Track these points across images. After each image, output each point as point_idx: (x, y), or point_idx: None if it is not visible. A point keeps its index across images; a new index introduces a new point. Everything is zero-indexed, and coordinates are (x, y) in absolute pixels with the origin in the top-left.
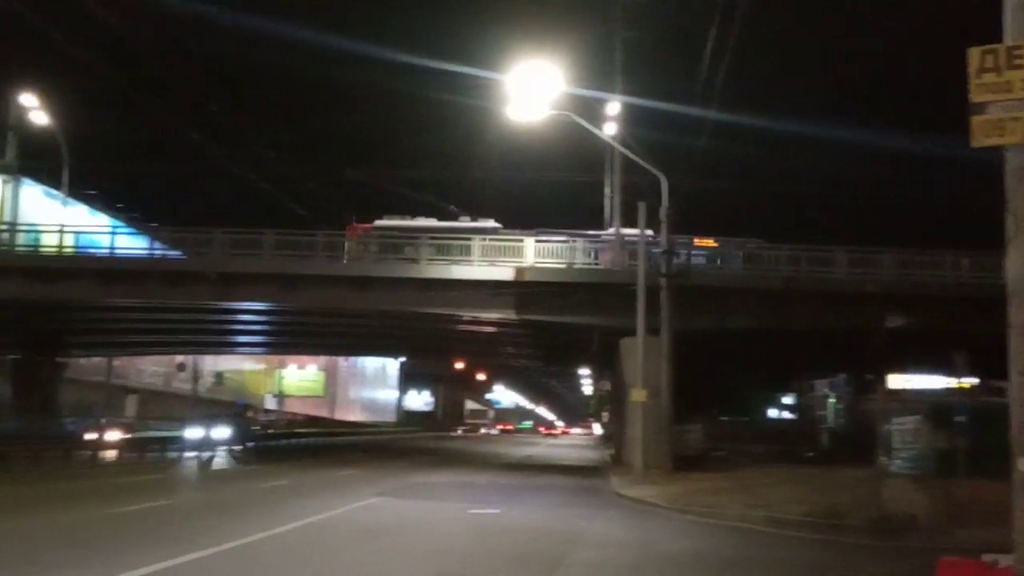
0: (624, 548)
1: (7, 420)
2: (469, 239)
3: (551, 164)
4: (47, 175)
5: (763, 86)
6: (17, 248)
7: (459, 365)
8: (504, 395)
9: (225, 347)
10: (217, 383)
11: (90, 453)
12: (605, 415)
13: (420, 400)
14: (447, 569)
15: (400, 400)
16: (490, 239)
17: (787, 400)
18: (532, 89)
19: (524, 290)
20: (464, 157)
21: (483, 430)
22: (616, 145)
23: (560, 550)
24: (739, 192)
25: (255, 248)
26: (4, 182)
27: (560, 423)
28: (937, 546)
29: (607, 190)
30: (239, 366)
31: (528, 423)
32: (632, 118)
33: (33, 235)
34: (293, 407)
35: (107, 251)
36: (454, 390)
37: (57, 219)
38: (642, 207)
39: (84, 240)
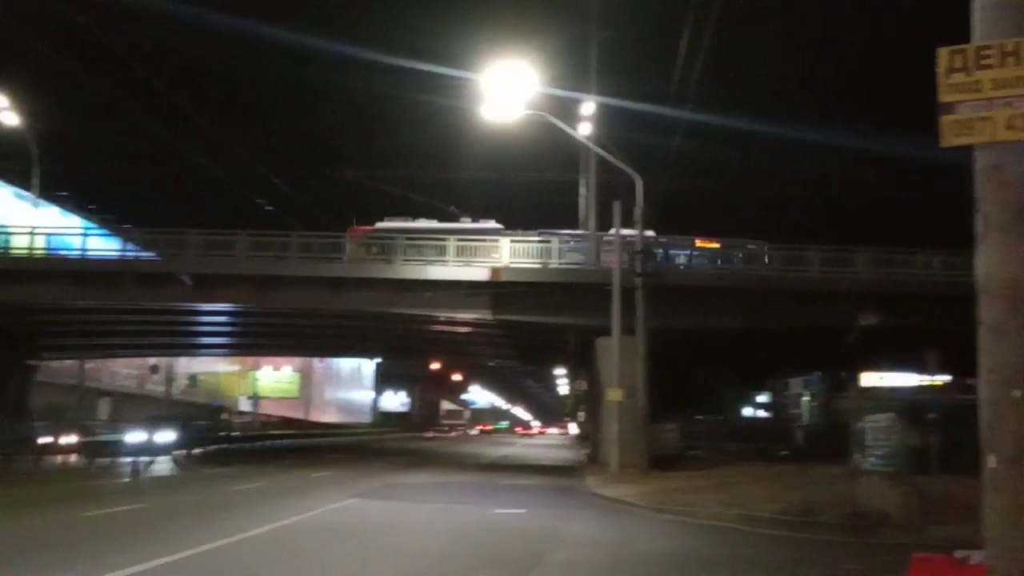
0: (600, 547)
1: None
2: (445, 239)
3: (527, 164)
4: (18, 176)
5: (738, 86)
6: None
7: (435, 366)
8: (480, 395)
9: (199, 349)
10: (191, 385)
11: (34, 457)
12: (581, 415)
13: (396, 401)
14: (424, 570)
15: (376, 401)
16: (465, 239)
17: (763, 398)
18: (507, 89)
19: (500, 290)
20: (439, 157)
21: (454, 432)
22: (591, 145)
23: (537, 550)
24: (715, 192)
25: (229, 249)
26: None
27: (536, 423)
28: (910, 542)
29: (582, 190)
30: (213, 368)
31: (504, 423)
32: (607, 118)
33: (4, 236)
34: (268, 409)
35: (79, 252)
36: (430, 391)
37: (28, 220)
38: (617, 207)
39: (56, 242)
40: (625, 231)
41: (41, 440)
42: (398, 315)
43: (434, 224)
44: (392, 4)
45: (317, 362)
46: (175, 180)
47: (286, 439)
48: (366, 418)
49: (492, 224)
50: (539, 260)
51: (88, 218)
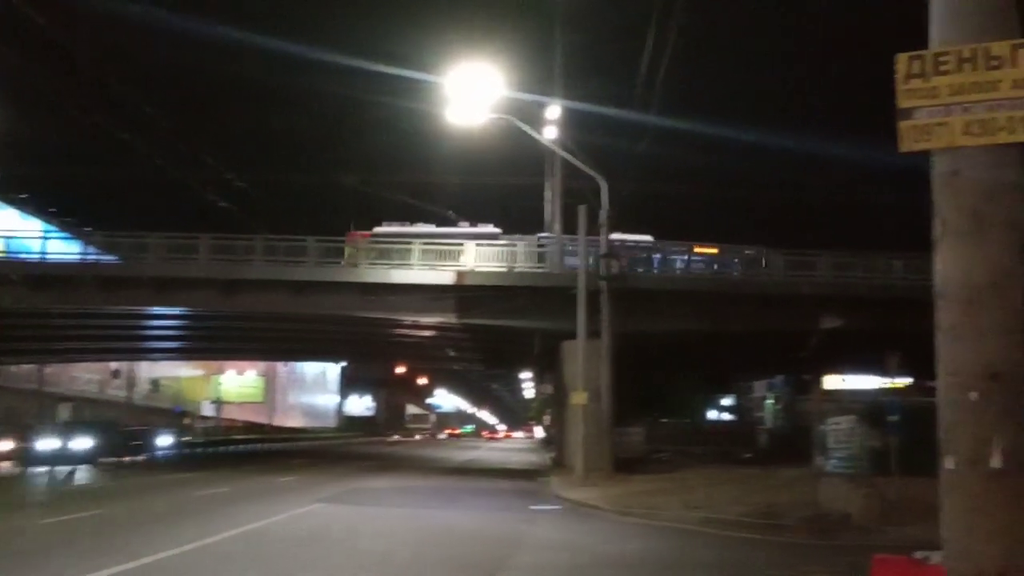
0: (563, 551)
1: None
2: (409, 242)
3: (492, 168)
4: None
5: (703, 90)
6: None
7: (401, 370)
8: (446, 399)
9: (161, 353)
10: (153, 390)
11: None
12: (547, 418)
13: (361, 405)
14: (388, 575)
15: (341, 405)
16: (431, 243)
17: (727, 401)
18: (472, 92)
19: (465, 294)
20: (403, 161)
21: (419, 436)
22: (556, 149)
23: (500, 554)
24: (680, 195)
25: (192, 253)
26: None
27: (502, 427)
28: (871, 544)
29: (547, 193)
30: (176, 372)
31: (470, 427)
32: (573, 122)
33: None
34: (232, 413)
35: (39, 256)
36: (395, 395)
37: None
38: (582, 210)
39: (15, 245)
40: (624, 235)
41: None
42: (363, 319)
43: (431, 228)
44: (355, 6)
45: (281, 366)
46: (137, 183)
47: (250, 444)
48: (331, 422)
49: (490, 228)
50: (505, 264)
51: (48, 221)
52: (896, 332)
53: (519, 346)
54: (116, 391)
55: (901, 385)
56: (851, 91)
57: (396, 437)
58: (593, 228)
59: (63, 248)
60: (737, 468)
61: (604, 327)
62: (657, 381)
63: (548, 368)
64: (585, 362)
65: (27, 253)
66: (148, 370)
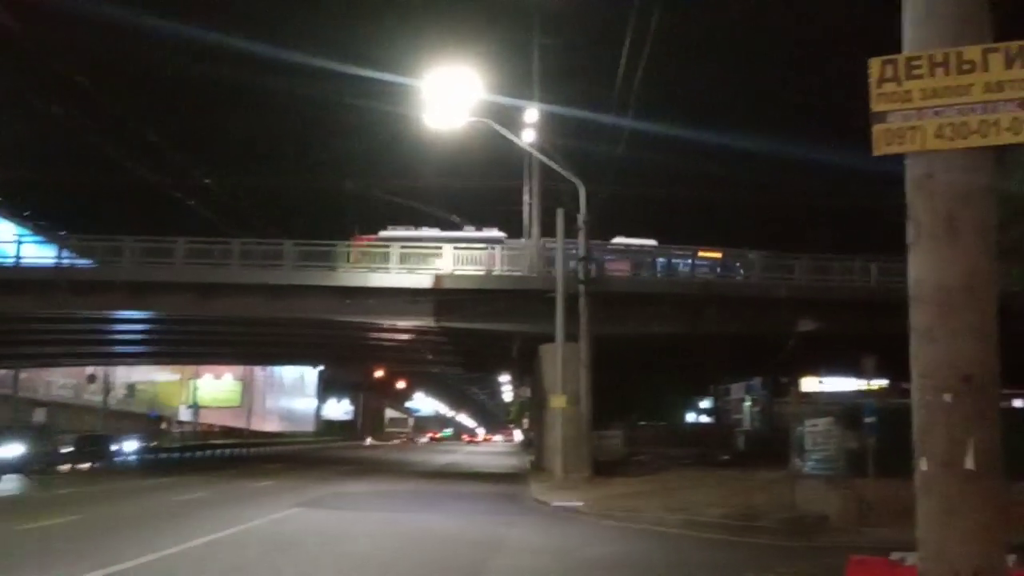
0: (543, 554)
1: None
2: (387, 246)
3: (470, 171)
4: None
5: (680, 94)
6: None
7: (379, 373)
8: (425, 403)
9: (137, 357)
10: (129, 394)
11: None
12: (526, 422)
13: (340, 409)
14: None
15: (319, 409)
16: (408, 247)
17: (706, 404)
18: (450, 96)
19: (443, 297)
20: (382, 164)
21: (397, 440)
22: (534, 152)
23: (480, 558)
24: (658, 198)
25: (167, 256)
26: None
27: (481, 430)
28: (848, 545)
29: (526, 197)
30: (152, 377)
31: (449, 431)
32: (552, 125)
33: None
34: (209, 418)
35: (12, 260)
36: (374, 398)
37: None
38: (560, 213)
39: None
40: (627, 239)
41: None
42: (341, 323)
43: (436, 232)
44: (333, 10)
45: (259, 370)
46: (113, 187)
47: (227, 448)
48: (309, 427)
49: (495, 233)
50: (483, 267)
51: (22, 225)
52: (873, 334)
53: (498, 349)
54: (92, 396)
55: (878, 387)
56: (828, 94)
57: (370, 441)
58: (571, 229)
59: (37, 252)
60: (716, 470)
61: (582, 330)
62: (636, 384)
63: (527, 371)
64: (564, 365)
65: (1, 257)
66: (124, 375)
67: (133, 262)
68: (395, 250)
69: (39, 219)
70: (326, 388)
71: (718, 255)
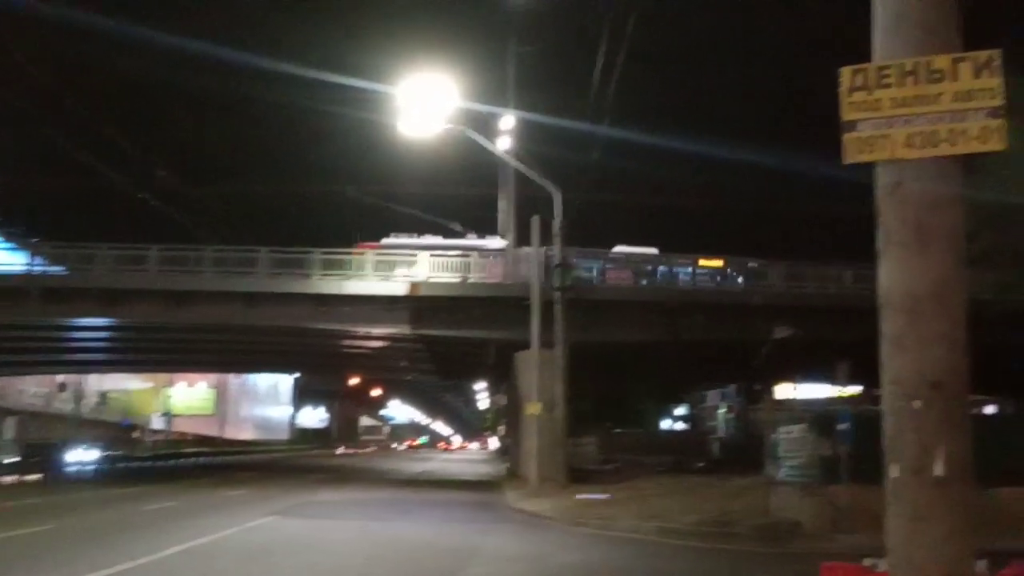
0: (517, 562)
1: None
2: (362, 253)
3: (446, 178)
4: None
5: (655, 101)
6: None
7: (354, 381)
8: (400, 411)
9: (110, 365)
10: (101, 403)
11: None
12: (502, 429)
13: (315, 417)
14: None
15: (294, 417)
16: (383, 254)
17: (681, 411)
18: (425, 103)
19: (419, 305)
20: (357, 171)
21: (370, 448)
22: (509, 159)
23: (454, 566)
24: (634, 205)
25: (141, 264)
26: None
27: (457, 438)
28: (821, 551)
29: (501, 203)
30: (125, 385)
31: (424, 438)
32: (527, 132)
33: None
34: (182, 426)
35: None
36: (349, 406)
37: None
38: (535, 221)
39: None
40: (629, 248)
41: None
42: (316, 330)
43: (438, 240)
44: (308, 16)
45: (233, 378)
46: (85, 194)
47: (201, 457)
48: (284, 435)
49: (497, 240)
50: (459, 274)
51: None
52: (846, 341)
53: (474, 357)
54: (63, 404)
55: (852, 394)
56: (802, 102)
57: (342, 450)
58: (547, 236)
59: (8, 259)
60: (690, 477)
61: (558, 337)
62: (612, 391)
63: (503, 379)
64: (539, 373)
65: None
66: (97, 383)
67: (106, 269)
68: (370, 257)
69: (10, 226)
70: (301, 396)
71: (720, 263)
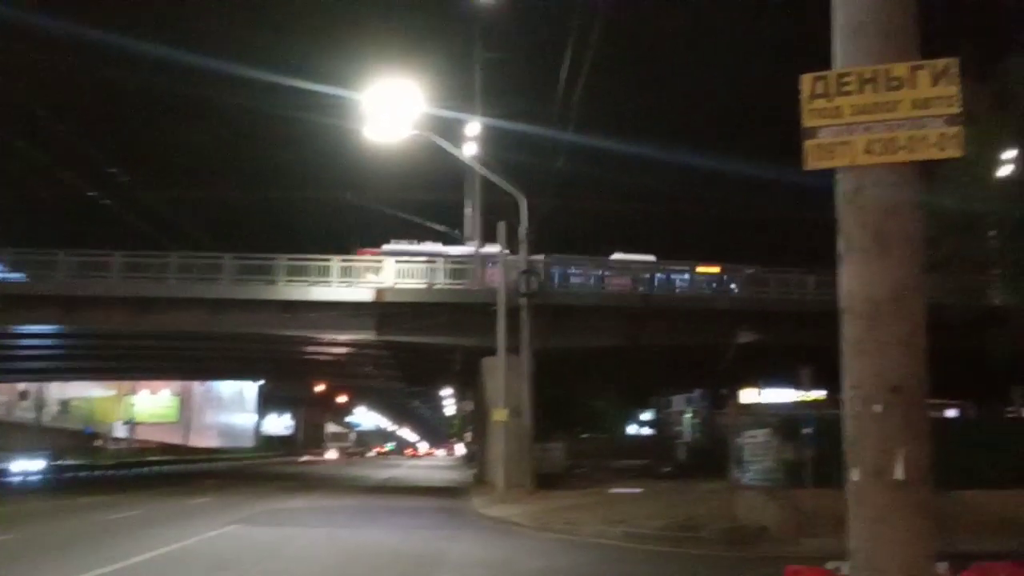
0: (483, 568)
1: None
2: (328, 259)
3: (413, 183)
4: None
5: (620, 109)
6: None
7: (320, 387)
8: (367, 417)
9: (72, 373)
10: (63, 411)
11: None
12: (468, 435)
13: (280, 424)
14: None
15: (259, 425)
16: (349, 260)
17: (647, 416)
18: (391, 109)
19: (385, 311)
20: (323, 176)
21: (338, 455)
22: (475, 165)
23: (420, 572)
24: (600, 211)
25: (103, 270)
26: None
27: (424, 444)
28: (787, 555)
29: (467, 210)
30: (87, 393)
31: (391, 445)
32: (493, 139)
33: None
34: (146, 434)
35: None
36: (315, 413)
37: None
38: (501, 226)
39: None
40: (626, 255)
41: None
42: (281, 337)
43: (439, 247)
44: (273, 21)
45: (197, 385)
46: (46, 200)
47: (164, 465)
48: (248, 443)
49: (497, 248)
50: (425, 280)
51: None
52: (810, 346)
53: (440, 363)
54: (24, 413)
55: (817, 398)
56: (765, 108)
57: (306, 458)
58: (513, 242)
59: None
60: (657, 482)
61: (524, 343)
62: (579, 396)
63: (469, 385)
64: (506, 378)
65: None
66: (59, 391)
67: (68, 276)
68: (336, 263)
69: None
70: (266, 403)
71: (717, 270)
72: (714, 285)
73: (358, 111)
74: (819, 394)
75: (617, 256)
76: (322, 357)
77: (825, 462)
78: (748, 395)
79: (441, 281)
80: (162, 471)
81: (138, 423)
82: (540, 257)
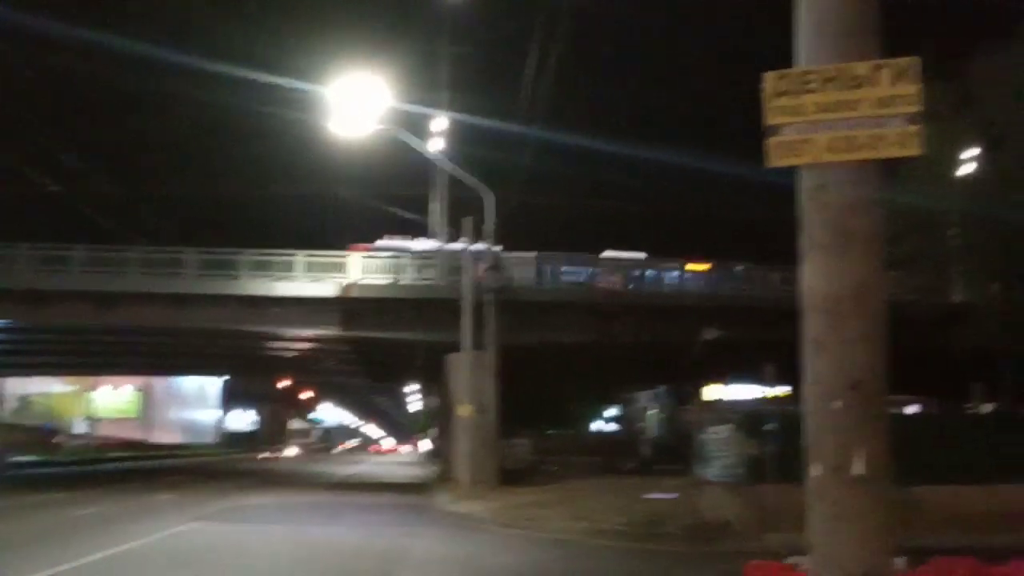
0: (446, 564)
1: None
2: (292, 255)
3: (376, 178)
4: None
5: (587, 104)
6: None
7: (284, 383)
8: (331, 413)
9: (32, 368)
10: (22, 407)
11: None
12: (434, 431)
13: (244, 420)
14: None
15: (222, 420)
16: (314, 255)
17: (612, 412)
18: (357, 103)
19: (350, 306)
20: (290, 172)
21: (295, 451)
22: (441, 161)
23: (383, 569)
24: (567, 207)
25: (65, 265)
26: None
27: (389, 440)
28: (749, 550)
29: (432, 205)
30: (47, 388)
31: (356, 441)
32: (460, 134)
33: None
34: (107, 430)
35: None
36: (280, 409)
37: None
38: (468, 222)
39: None
40: (617, 252)
41: None
42: (245, 332)
43: (433, 244)
44: (237, 14)
45: (159, 381)
46: (5, 194)
47: (125, 462)
48: (211, 439)
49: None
50: (390, 275)
51: None
52: (774, 342)
53: (405, 359)
54: None
55: (781, 394)
56: (729, 106)
57: (267, 454)
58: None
59: None
60: (621, 478)
61: (489, 339)
62: (544, 393)
63: (434, 381)
64: (471, 375)
65: None
66: (19, 386)
67: (29, 270)
68: (301, 258)
69: None
70: (230, 399)
71: (707, 267)
72: (701, 282)
73: (324, 105)
74: (784, 390)
75: (608, 254)
76: (287, 353)
77: (788, 458)
78: (713, 391)
79: (406, 277)
80: (123, 467)
81: (99, 419)
82: (519, 254)
